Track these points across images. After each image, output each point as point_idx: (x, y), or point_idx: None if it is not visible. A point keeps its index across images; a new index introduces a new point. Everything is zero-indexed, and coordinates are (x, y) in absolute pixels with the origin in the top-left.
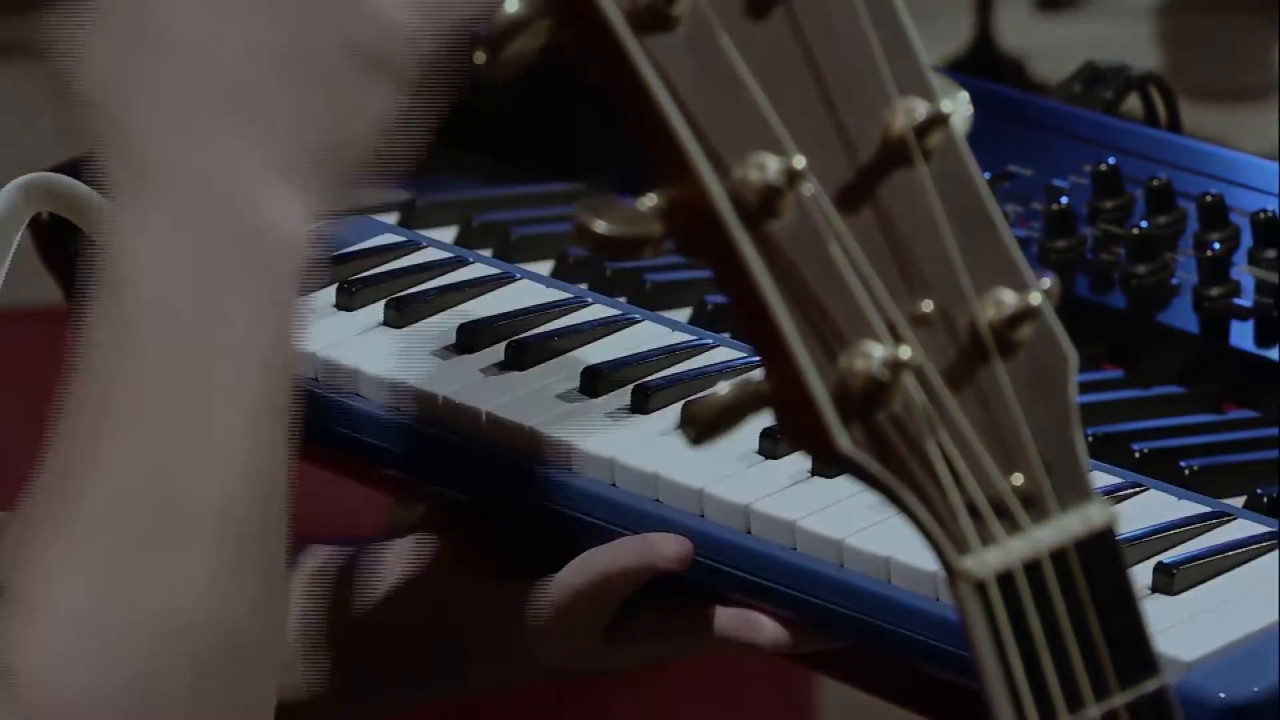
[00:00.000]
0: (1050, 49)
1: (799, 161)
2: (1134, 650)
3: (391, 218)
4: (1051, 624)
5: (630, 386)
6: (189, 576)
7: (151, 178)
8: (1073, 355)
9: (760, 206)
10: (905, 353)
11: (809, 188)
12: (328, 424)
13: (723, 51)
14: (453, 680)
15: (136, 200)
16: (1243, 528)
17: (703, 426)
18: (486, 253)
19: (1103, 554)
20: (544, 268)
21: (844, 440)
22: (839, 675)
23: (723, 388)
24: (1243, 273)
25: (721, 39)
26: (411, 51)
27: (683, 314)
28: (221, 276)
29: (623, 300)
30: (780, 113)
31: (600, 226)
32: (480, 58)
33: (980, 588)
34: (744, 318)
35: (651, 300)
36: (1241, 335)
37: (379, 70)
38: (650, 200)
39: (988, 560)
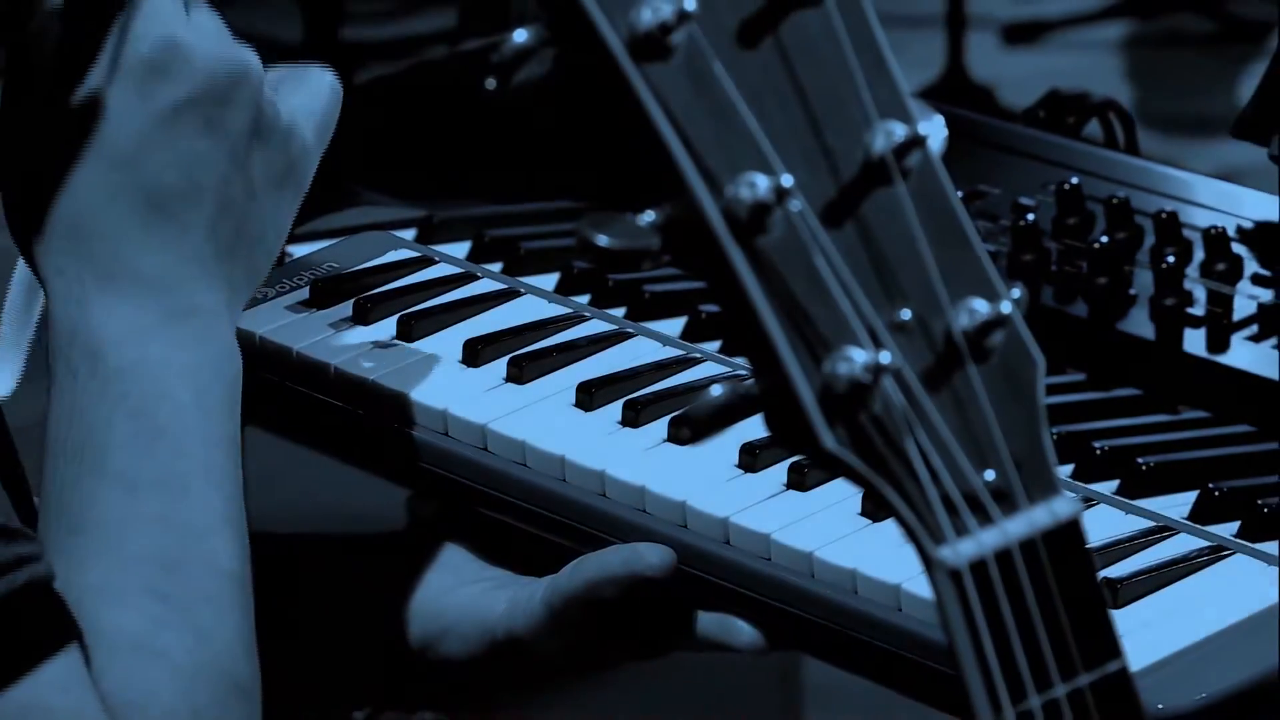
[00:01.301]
0: (1016, 78)
1: (787, 180)
2: (1097, 634)
3: (410, 233)
4: (1021, 609)
5: (621, 401)
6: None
7: (115, 276)
8: (1040, 360)
9: (751, 222)
10: (885, 357)
11: (796, 204)
12: (342, 430)
13: (716, 78)
14: (448, 676)
15: (102, 293)
16: (1185, 542)
17: (697, 427)
18: (497, 265)
19: (1068, 544)
20: (550, 280)
21: (829, 439)
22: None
23: (716, 390)
24: (1195, 284)
25: (715, 67)
26: (313, 166)
27: (678, 322)
28: (197, 362)
29: (621, 311)
30: (769, 135)
31: (602, 241)
32: (492, 84)
33: (955, 576)
34: (735, 325)
35: (650, 310)
36: (1194, 341)
37: (292, 182)
38: (649, 216)
39: (962, 550)
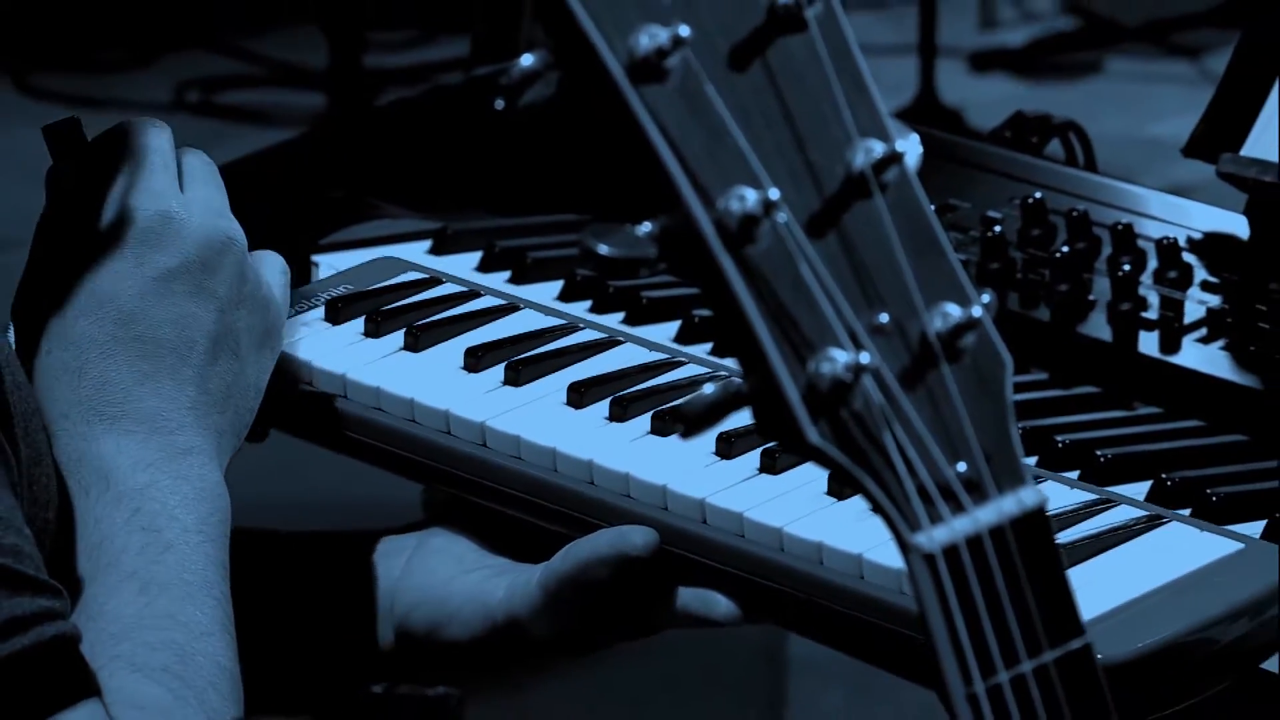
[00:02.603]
0: (984, 102)
1: (774, 194)
2: (1061, 613)
3: (425, 244)
4: (990, 590)
5: (609, 399)
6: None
7: (120, 416)
8: (1009, 360)
9: (740, 232)
10: (865, 358)
11: (782, 216)
12: (353, 431)
13: (708, 99)
14: (455, 656)
15: (109, 430)
16: (1124, 512)
17: (691, 422)
18: (506, 273)
19: (1034, 530)
20: (554, 287)
21: (812, 433)
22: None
23: (709, 388)
24: (1149, 290)
25: (707, 88)
26: (284, 323)
27: (673, 326)
28: (198, 492)
29: (620, 315)
30: (757, 151)
31: (603, 250)
32: (501, 104)
33: (929, 560)
34: (726, 328)
35: (646, 314)
36: (1148, 343)
37: (270, 344)
38: (646, 227)
39: (936, 536)
